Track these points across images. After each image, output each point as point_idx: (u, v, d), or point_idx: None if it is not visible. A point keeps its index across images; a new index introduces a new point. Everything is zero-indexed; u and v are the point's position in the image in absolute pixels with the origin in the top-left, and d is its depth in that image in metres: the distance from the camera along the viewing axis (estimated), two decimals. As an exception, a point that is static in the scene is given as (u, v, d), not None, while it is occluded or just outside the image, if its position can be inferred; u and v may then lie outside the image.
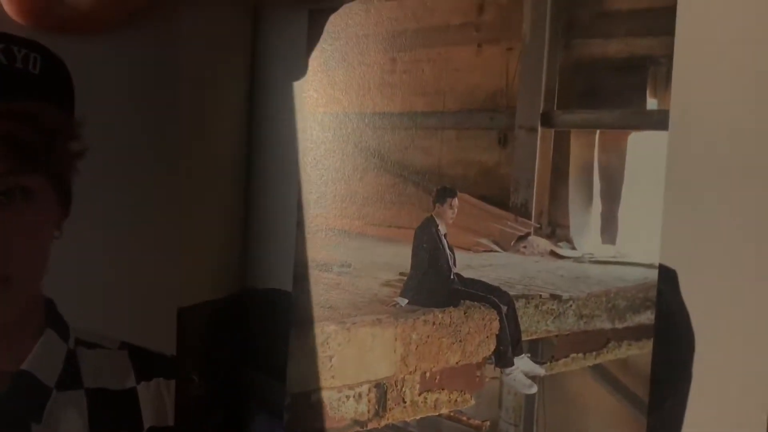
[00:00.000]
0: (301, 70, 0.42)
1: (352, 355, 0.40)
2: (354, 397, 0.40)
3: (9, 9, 0.36)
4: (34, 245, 0.38)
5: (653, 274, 0.33)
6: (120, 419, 0.40)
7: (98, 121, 0.39)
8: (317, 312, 0.42)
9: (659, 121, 0.33)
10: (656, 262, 0.33)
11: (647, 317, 0.33)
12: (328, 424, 0.41)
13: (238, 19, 0.44)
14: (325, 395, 0.41)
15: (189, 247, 0.42)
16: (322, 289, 0.42)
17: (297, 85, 0.43)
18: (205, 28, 0.42)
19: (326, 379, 0.41)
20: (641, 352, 0.33)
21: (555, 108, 0.36)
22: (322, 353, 0.41)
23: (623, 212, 0.35)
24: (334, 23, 0.41)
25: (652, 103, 0.34)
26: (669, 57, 0.33)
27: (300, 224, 0.42)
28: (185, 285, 0.42)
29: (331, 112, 0.41)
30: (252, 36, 0.44)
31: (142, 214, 0.40)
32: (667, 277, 0.33)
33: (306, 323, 0.42)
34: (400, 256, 0.40)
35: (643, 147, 0.34)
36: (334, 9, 0.41)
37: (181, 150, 0.41)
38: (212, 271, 0.44)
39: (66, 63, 0.38)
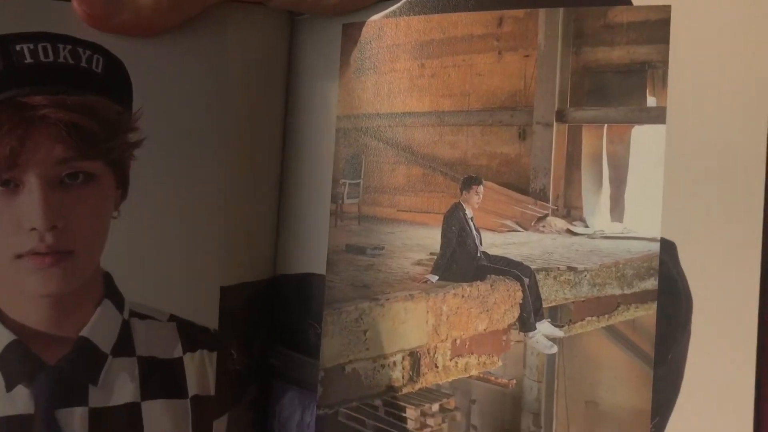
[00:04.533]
0: (333, 76, 0.46)
1: (386, 328, 0.43)
2: (389, 365, 0.43)
3: (80, 13, 0.40)
4: (95, 223, 0.41)
5: (655, 246, 0.37)
6: (168, 386, 0.43)
7: (153, 114, 0.42)
8: (351, 291, 0.44)
9: (658, 116, 0.38)
10: (658, 236, 0.37)
11: (651, 283, 0.38)
12: (362, 392, 0.44)
13: (277, 29, 0.47)
14: (360, 366, 0.44)
15: (230, 232, 0.45)
16: (356, 271, 0.44)
17: (330, 89, 0.46)
18: (248, 34, 0.45)
19: (360, 352, 0.44)
20: (647, 313, 0.38)
21: (568, 106, 0.40)
22: (356, 328, 0.44)
23: (629, 194, 0.39)
24: (366, 35, 0.44)
25: (651, 101, 0.38)
26: (665, 62, 0.38)
27: (333, 214, 0.45)
28: (227, 266, 0.45)
29: (362, 113, 0.45)
30: (289, 43, 0.48)
31: (191, 199, 0.43)
32: (668, 248, 0.37)
33: (340, 302, 0.45)
34: (430, 238, 0.43)
35: (644, 138, 0.39)
36: (366, 22, 0.45)
37: (226, 143, 0.44)
38: (250, 255, 0.46)
39: (125, 63, 0.41)
